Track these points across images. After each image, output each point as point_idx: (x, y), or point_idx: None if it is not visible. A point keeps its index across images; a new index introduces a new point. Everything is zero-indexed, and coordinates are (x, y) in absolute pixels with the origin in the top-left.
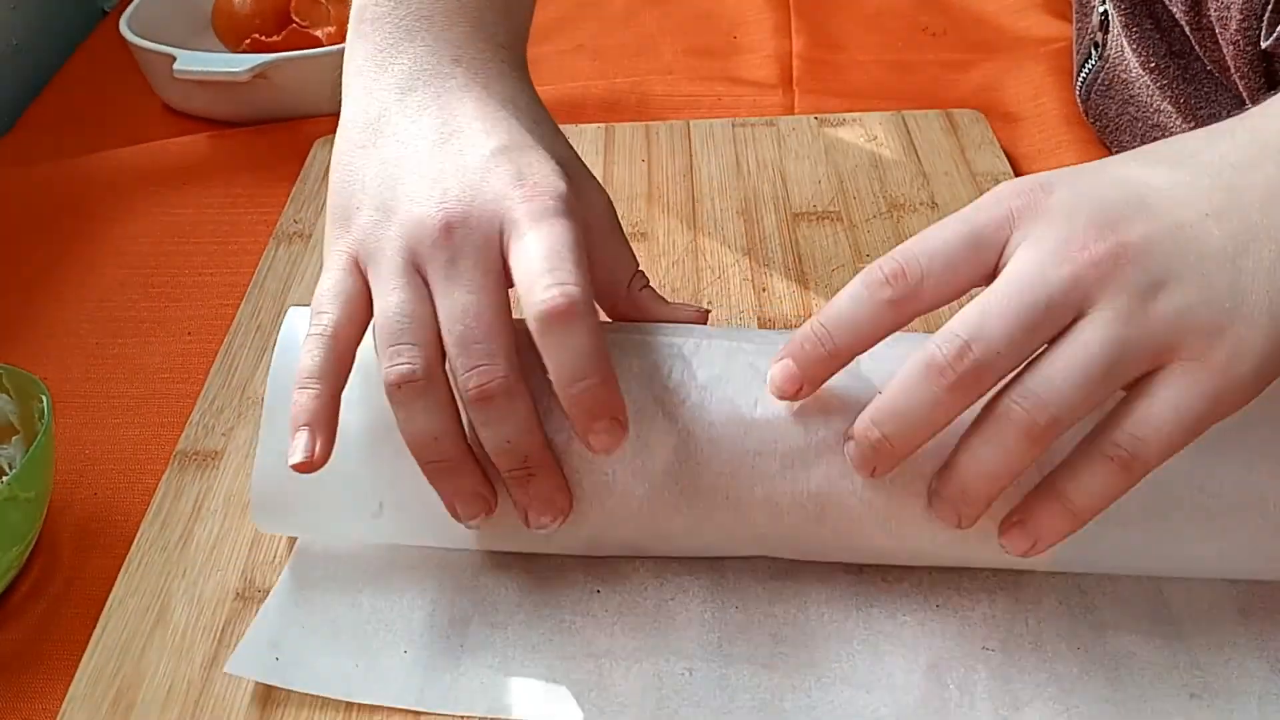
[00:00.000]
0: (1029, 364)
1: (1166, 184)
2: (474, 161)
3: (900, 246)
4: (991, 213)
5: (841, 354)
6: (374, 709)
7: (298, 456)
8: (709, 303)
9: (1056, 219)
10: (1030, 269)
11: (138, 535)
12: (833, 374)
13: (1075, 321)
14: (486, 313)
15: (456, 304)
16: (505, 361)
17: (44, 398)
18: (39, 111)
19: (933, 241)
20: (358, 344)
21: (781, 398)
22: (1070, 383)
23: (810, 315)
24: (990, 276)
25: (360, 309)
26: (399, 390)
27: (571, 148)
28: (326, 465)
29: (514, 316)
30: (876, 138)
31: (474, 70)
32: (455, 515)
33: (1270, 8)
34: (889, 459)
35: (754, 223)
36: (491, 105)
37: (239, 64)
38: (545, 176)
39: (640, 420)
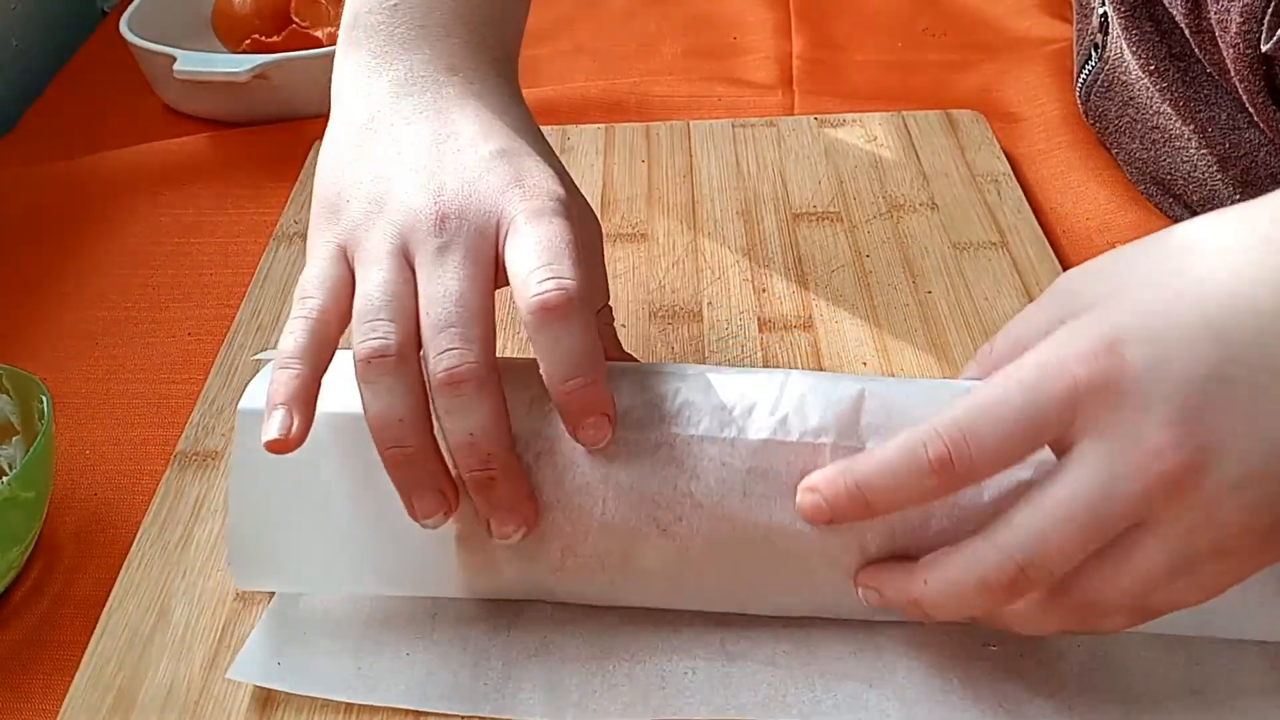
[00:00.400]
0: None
1: (1253, 343)
2: (471, 160)
3: (951, 420)
4: (1057, 389)
5: (875, 512)
6: (374, 710)
7: (272, 434)
8: (709, 303)
9: (1128, 410)
10: (1097, 485)
11: (138, 535)
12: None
13: (1135, 525)
14: (469, 299)
15: (439, 288)
16: (480, 350)
17: (44, 398)
18: (39, 112)
19: (987, 421)
20: (343, 326)
21: (808, 521)
22: (1125, 592)
23: (809, 316)
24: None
25: (346, 297)
26: (368, 365)
27: (565, 169)
28: (309, 520)
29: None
30: (876, 138)
31: (470, 80)
32: (411, 512)
33: (1270, 11)
34: (863, 515)
35: (754, 223)
36: (487, 114)
37: (239, 64)
38: (544, 180)
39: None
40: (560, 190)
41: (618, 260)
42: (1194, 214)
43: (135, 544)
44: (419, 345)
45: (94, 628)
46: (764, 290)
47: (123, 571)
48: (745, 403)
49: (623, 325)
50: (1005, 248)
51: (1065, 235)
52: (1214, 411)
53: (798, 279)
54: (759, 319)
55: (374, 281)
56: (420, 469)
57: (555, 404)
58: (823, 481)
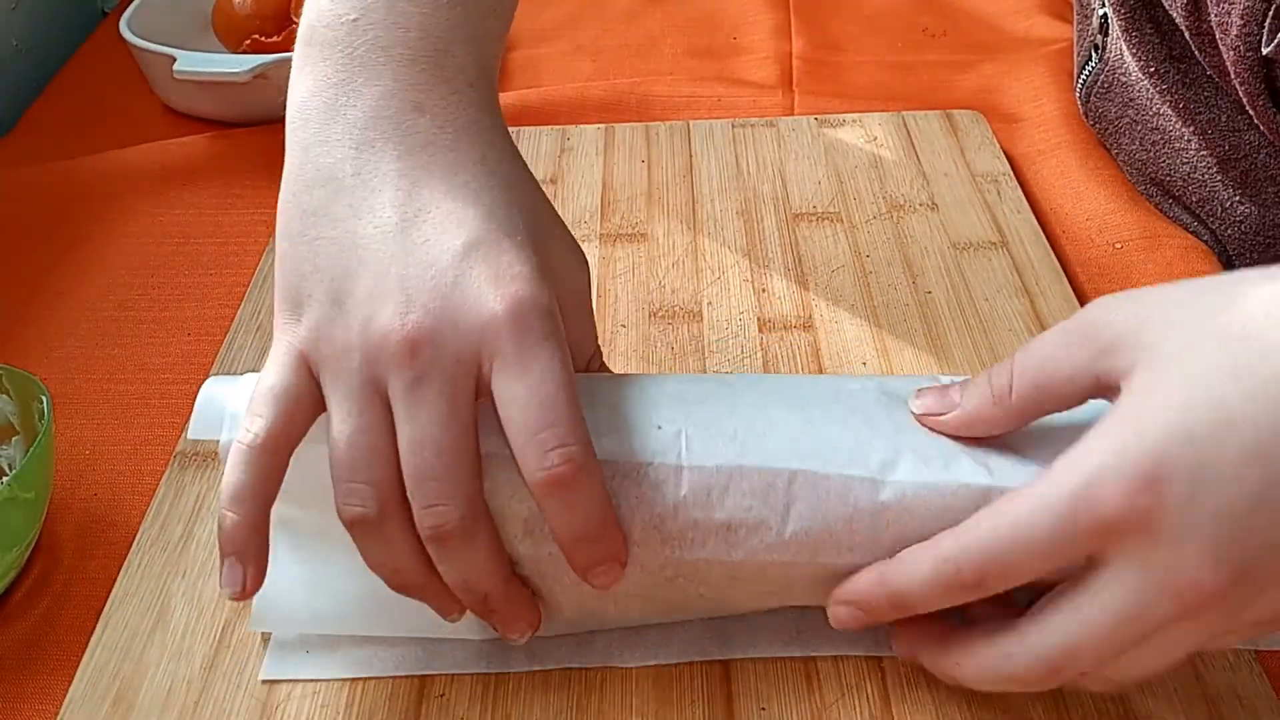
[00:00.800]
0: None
1: None
2: (443, 260)
3: (981, 547)
4: (1089, 522)
5: (912, 613)
6: (373, 708)
7: (228, 590)
8: (709, 303)
9: (1164, 544)
10: (1133, 605)
11: (138, 535)
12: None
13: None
14: (449, 447)
15: (417, 434)
16: (464, 501)
17: (44, 398)
18: (39, 112)
19: (1018, 546)
20: (292, 449)
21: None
22: (1149, 669)
23: (809, 316)
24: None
25: (303, 411)
26: (352, 528)
27: (550, 208)
28: (324, 583)
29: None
30: (876, 138)
31: (440, 121)
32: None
33: (1271, 14)
34: (899, 614)
35: (754, 223)
36: (462, 175)
37: (239, 65)
38: (525, 286)
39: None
40: (543, 293)
41: (618, 260)
42: (1193, 215)
43: (135, 544)
44: (403, 487)
45: (94, 628)
46: (764, 290)
47: (122, 572)
48: (751, 519)
49: (623, 326)
50: (1005, 248)
51: (1065, 235)
52: (1255, 538)
53: (797, 279)
54: (759, 319)
55: (347, 431)
56: (429, 598)
57: (566, 556)
58: (860, 596)
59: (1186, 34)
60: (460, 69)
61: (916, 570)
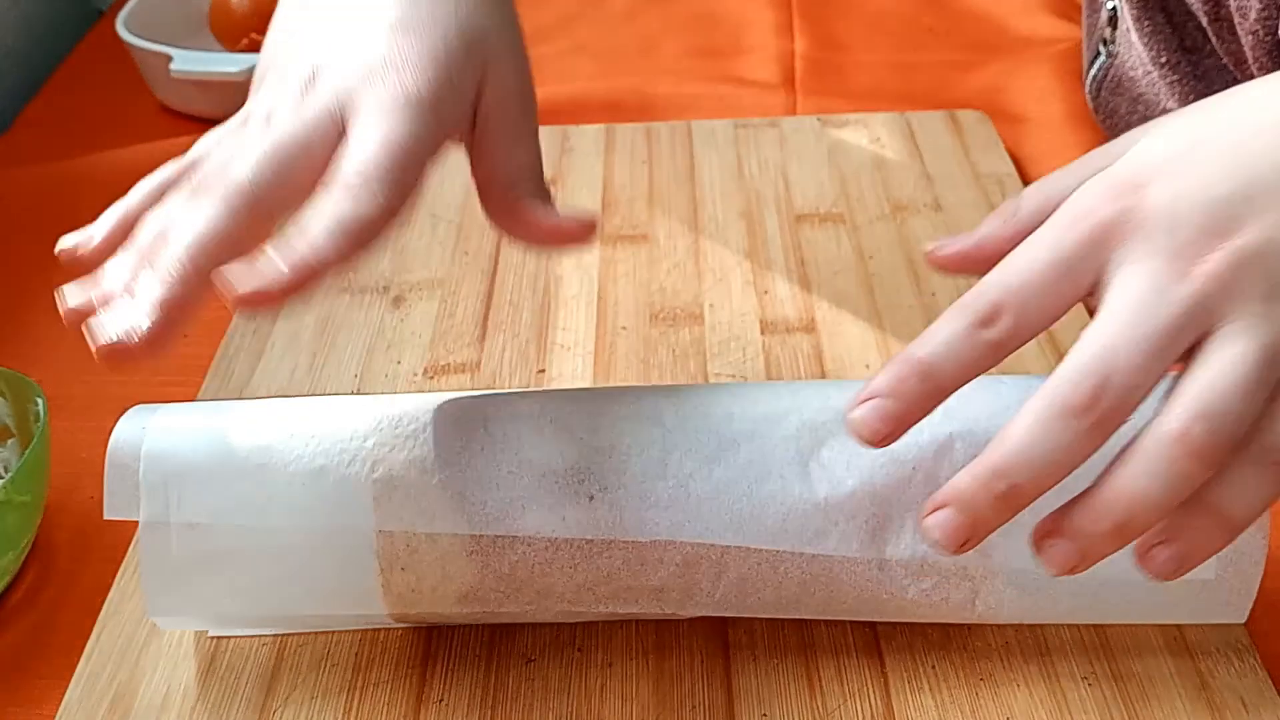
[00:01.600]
0: (1176, 387)
1: (1269, 164)
2: (367, 29)
3: (989, 280)
4: (1083, 230)
5: (945, 391)
6: (371, 713)
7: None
8: (711, 306)
9: (1159, 231)
10: (1147, 292)
11: (134, 539)
12: (927, 415)
13: (1205, 336)
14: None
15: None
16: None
17: (40, 400)
18: (35, 112)
19: (1024, 273)
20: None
21: (869, 442)
22: (1231, 398)
23: (812, 319)
24: (1087, 295)
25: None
26: None
27: (507, 19)
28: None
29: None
30: (880, 139)
31: None
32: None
33: None
34: (1009, 512)
35: (756, 225)
36: None
37: (236, 64)
38: (415, 70)
39: None
40: (423, 89)
41: (619, 262)
42: None
43: (131, 548)
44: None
45: (90, 632)
46: (766, 292)
47: (119, 575)
48: (682, 584)
49: (623, 328)
50: None
51: None
52: (1246, 225)
53: (800, 281)
54: (761, 321)
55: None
56: None
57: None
58: (877, 384)
59: (1203, 20)
60: None
61: (939, 328)
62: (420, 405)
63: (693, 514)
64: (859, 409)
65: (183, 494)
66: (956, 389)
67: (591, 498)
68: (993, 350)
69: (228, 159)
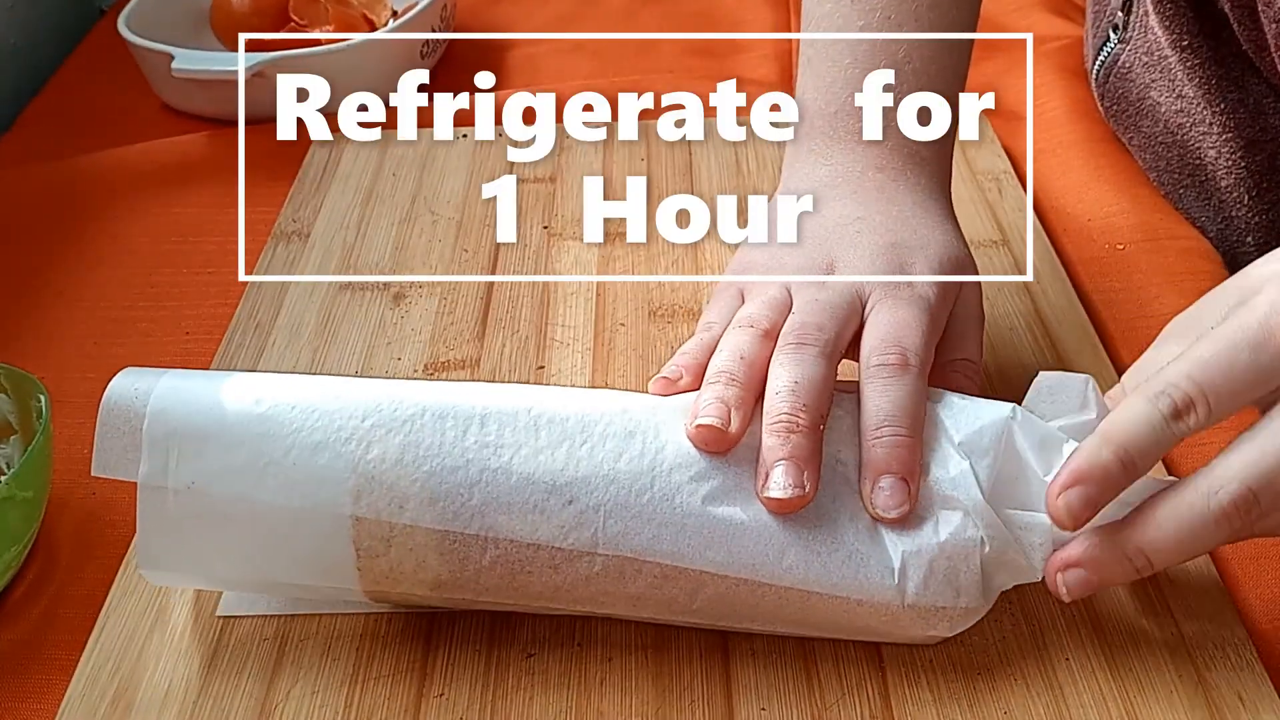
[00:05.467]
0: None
1: None
2: (868, 244)
3: (1186, 372)
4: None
5: (1137, 477)
6: (372, 708)
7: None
8: (709, 302)
9: None
10: None
11: (134, 540)
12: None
13: None
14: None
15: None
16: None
17: (42, 397)
18: (37, 111)
19: (1226, 373)
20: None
21: (1071, 529)
22: None
23: None
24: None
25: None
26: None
27: (965, 246)
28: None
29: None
30: None
31: (892, 178)
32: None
33: None
34: (1134, 578)
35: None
36: (903, 207)
37: (236, 63)
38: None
39: None
40: (929, 292)
41: (617, 259)
42: (1206, 203)
43: (133, 543)
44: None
45: (92, 628)
46: None
47: (121, 571)
48: (659, 595)
49: (622, 324)
50: (1006, 246)
51: (1066, 234)
52: None
53: None
54: None
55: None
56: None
57: (862, 457)
58: (1074, 473)
59: (1225, 6)
60: (915, 149)
61: (1134, 415)
62: (420, 392)
63: (675, 530)
64: (1064, 497)
65: (183, 452)
66: (1146, 470)
67: (571, 501)
68: (1180, 439)
69: None
